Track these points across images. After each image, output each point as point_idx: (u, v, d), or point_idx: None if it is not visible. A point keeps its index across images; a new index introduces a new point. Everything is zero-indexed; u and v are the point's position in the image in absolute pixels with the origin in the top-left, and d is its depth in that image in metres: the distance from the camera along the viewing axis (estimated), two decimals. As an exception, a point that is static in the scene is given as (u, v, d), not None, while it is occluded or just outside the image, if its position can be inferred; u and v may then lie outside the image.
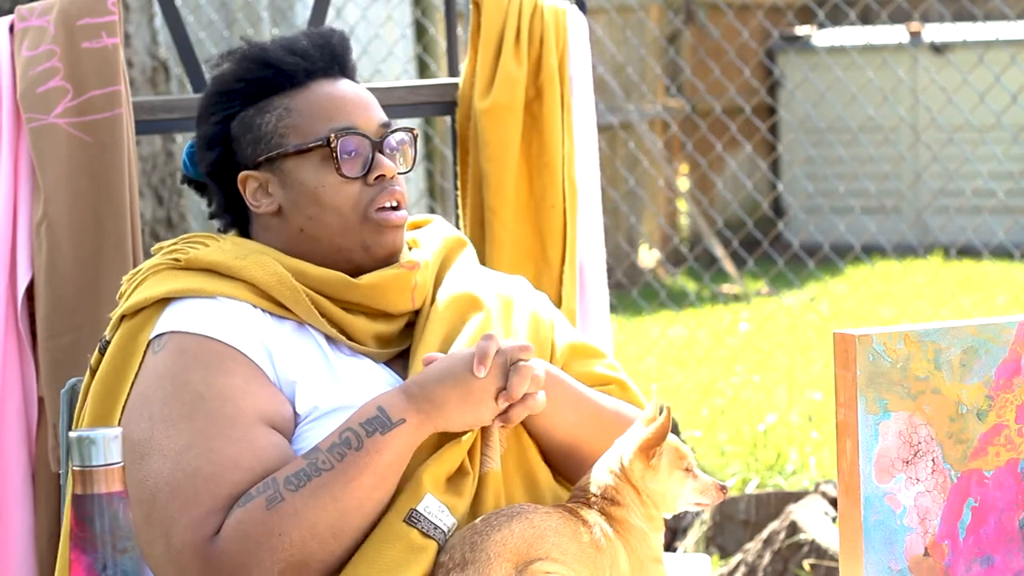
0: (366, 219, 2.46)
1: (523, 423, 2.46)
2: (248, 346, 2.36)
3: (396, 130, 2.51)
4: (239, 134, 2.51)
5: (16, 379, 2.97)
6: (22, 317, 2.97)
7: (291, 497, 2.23)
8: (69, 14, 2.97)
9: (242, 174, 2.50)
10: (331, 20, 6.88)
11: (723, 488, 2.38)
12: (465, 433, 2.37)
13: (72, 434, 1.82)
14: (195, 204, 7.65)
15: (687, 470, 2.37)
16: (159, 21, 5.69)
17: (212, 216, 2.60)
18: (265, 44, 2.54)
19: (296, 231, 2.48)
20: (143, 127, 3.15)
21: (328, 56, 2.53)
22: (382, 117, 2.52)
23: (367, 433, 2.27)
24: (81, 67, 2.96)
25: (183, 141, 7.07)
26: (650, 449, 2.34)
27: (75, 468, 1.82)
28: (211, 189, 2.57)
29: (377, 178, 2.47)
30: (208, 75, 2.61)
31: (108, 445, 1.80)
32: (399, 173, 2.50)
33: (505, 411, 2.37)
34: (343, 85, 2.52)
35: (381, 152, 2.48)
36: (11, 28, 3.00)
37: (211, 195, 2.58)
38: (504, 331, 2.53)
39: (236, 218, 2.55)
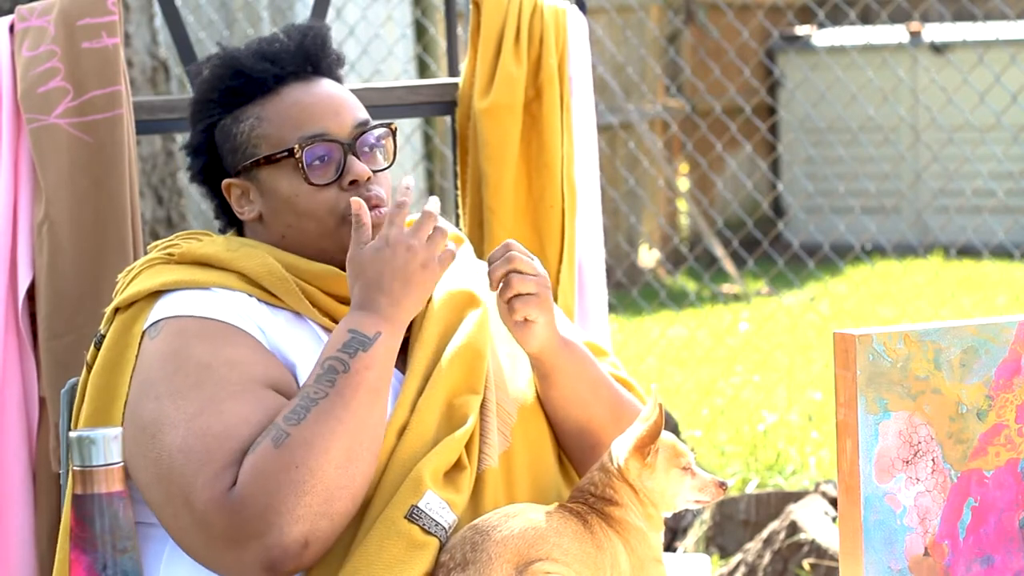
0: (344, 222, 2.45)
1: (541, 396, 2.48)
2: (248, 326, 2.37)
3: (371, 128, 2.49)
4: (220, 142, 2.52)
5: (16, 379, 2.97)
6: (23, 317, 2.97)
7: (295, 430, 2.23)
8: (69, 14, 2.97)
9: (225, 182, 2.52)
10: (331, 20, 6.87)
11: (722, 485, 2.38)
12: (460, 427, 2.37)
13: (72, 434, 1.82)
14: (195, 204, 7.65)
15: (685, 468, 2.36)
16: (159, 21, 5.69)
17: (216, 216, 2.61)
18: (237, 51, 2.53)
19: (279, 237, 2.49)
20: (143, 127, 3.15)
21: (301, 57, 2.51)
22: (357, 117, 2.50)
23: (350, 355, 2.28)
24: (81, 67, 2.96)
25: (183, 141, 7.07)
26: (645, 447, 2.34)
27: (75, 468, 1.82)
28: (206, 192, 2.58)
29: (351, 183, 2.45)
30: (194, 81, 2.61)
31: (108, 445, 1.80)
32: (377, 171, 2.49)
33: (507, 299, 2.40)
34: (316, 88, 2.50)
35: (355, 154, 2.47)
36: (11, 28, 3.00)
37: (208, 197, 2.59)
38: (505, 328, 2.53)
39: (231, 220, 2.57)
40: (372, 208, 2.45)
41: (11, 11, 3.06)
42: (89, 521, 1.81)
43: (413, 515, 2.27)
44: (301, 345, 2.40)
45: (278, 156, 2.45)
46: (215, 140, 2.52)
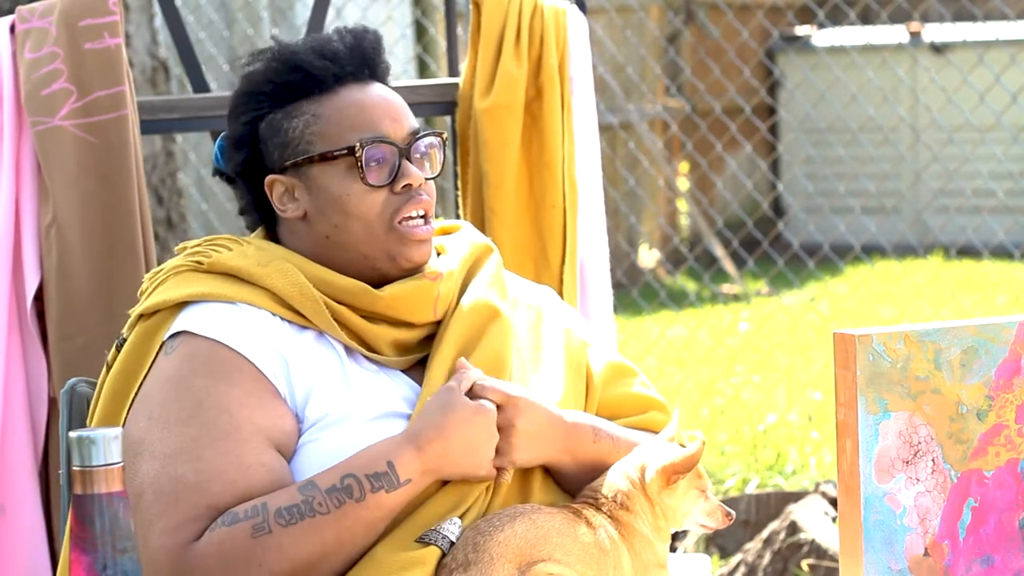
0: (391, 229, 2.43)
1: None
2: (260, 356, 2.35)
3: (424, 135, 2.49)
4: (267, 136, 2.48)
5: (21, 381, 2.97)
6: (33, 319, 2.97)
7: (279, 531, 2.23)
8: (71, 15, 2.97)
9: (269, 178, 2.48)
10: (331, 20, 6.88)
11: (729, 515, 2.40)
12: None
13: (72, 434, 1.82)
14: (195, 204, 7.65)
15: (702, 491, 2.38)
16: (159, 21, 5.69)
17: (241, 212, 2.57)
18: (295, 46, 2.51)
19: (322, 238, 2.46)
20: (144, 127, 3.15)
21: (359, 59, 2.49)
22: (411, 123, 2.49)
23: (372, 488, 2.26)
24: (85, 68, 2.96)
25: (183, 141, 7.07)
26: (674, 475, 2.35)
27: (75, 468, 1.82)
28: (240, 187, 2.55)
29: (404, 187, 2.44)
30: (238, 73, 2.58)
31: (108, 445, 1.80)
32: (427, 179, 2.48)
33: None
34: (373, 91, 2.48)
35: (408, 159, 2.46)
36: (11, 29, 3.00)
37: (239, 192, 2.56)
38: (533, 343, 2.52)
39: (264, 217, 2.53)
40: (423, 218, 2.46)
41: (11, 11, 3.06)
42: (89, 521, 1.81)
43: (423, 538, 2.28)
44: (324, 366, 2.38)
45: (336, 154, 2.43)
46: (259, 134, 2.49)
